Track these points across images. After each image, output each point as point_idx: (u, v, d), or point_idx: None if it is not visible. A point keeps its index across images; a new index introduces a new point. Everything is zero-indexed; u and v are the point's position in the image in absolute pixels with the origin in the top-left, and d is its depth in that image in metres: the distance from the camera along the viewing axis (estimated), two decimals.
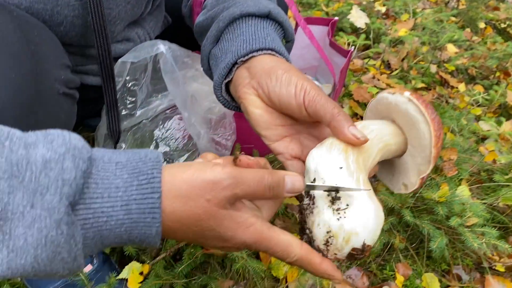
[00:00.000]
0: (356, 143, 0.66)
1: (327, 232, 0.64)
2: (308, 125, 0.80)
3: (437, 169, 1.71)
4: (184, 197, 0.58)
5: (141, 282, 1.23)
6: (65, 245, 0.53)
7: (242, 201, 0.66)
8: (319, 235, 0.65)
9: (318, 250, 0.66)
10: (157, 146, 1.21)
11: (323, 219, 0.64)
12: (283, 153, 0.79)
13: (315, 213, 0.66)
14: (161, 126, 1.23)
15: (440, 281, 1.56)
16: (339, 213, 0.64)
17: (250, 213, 0.64)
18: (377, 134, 0.71)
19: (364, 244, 0.64)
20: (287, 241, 0.64)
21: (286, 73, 0.75)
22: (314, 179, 0.66)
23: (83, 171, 0.54)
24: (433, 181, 1.62)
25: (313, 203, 0.66)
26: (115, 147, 1.19)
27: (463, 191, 1.61)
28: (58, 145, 0.54)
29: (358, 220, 0.63)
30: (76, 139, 0.56)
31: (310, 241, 0.68)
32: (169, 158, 1.20)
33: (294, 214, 1.55)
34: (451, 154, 1.75)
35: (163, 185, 0.58)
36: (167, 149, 1.21)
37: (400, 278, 1.53)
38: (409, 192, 0.76)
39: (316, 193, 0.66)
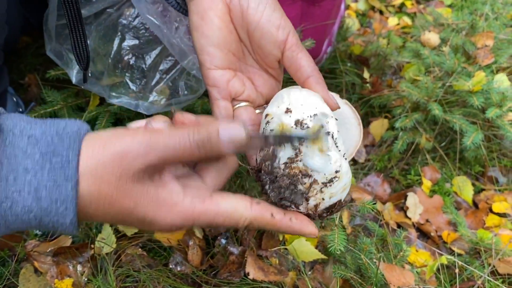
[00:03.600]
0: (333, 107, 0.66)
1: (336, 172, 0.60)
2: (257, 70, 0.73)
3: (469, 57, 1.45)
4: (97, 178, 0.52)
5: None
6: None
7: (173, 172, 0.59)
8: (326, 170, 0.60)
9: (294, 196, 0.61)
10: (123, 39, 0.99)
11: (335, 155, 0.60)
12: (219, 87, 0.69)
13: (325, 146, 0.60)
14: (128, 13, 1.01)
15: (473, 184, 1.35)
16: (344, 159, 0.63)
17: (177, 189, 0.56)
18: None
19: (346, 201, 0.64)
20: (230, 207, 0.57)
21: None
22: (316, 115, 0.62)
23: None
24: (465, 70, 1.37)
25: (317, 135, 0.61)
26: (85, 74, 0.95)
27: (502, 79, 1.36)
28: None
29: (349, 177, 0.63)
30: None
31: (284, 185, 0.61)
32: (138, 53, 0.99)
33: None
34: (487, 39, 1.48)
35: (80, 167, 0.51)
36: (136, 41, 0.99)
37: (427, 183, 1.33)
38: None
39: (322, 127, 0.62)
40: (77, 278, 0.90)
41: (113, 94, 0.96)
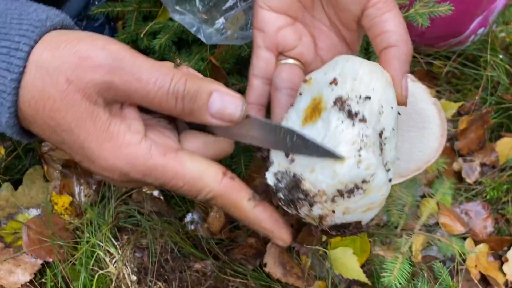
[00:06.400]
0: (399, 99, 0.50)
1: (362, 182, 0.47)
2: (326, 28, 0.59)
3: None
4: (45, 74, 0.44)
5: None
6: None
7: (145, 117, 0.50)
8: (348, 175, 0.47)
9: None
10: None
11: (369, 157, 0.46)
12: (266, 32, 0.57)
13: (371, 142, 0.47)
14: None
15: None
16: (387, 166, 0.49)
17: (136, 127, 0.47)
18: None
19: (369, 226, 0.51)
20: (195, 172, 0.47)
21: None
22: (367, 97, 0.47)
23: None
24: None
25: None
26: None
27: None
28: None
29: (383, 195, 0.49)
30: None
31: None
32: None
33: None
34: None
35: (30, 59, 0.44)
36: None
37: None
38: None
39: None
40: (78, 199, 0.80)
41: (177, 8, 0.80)
